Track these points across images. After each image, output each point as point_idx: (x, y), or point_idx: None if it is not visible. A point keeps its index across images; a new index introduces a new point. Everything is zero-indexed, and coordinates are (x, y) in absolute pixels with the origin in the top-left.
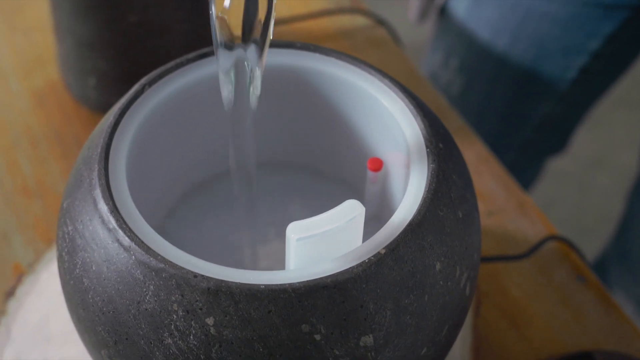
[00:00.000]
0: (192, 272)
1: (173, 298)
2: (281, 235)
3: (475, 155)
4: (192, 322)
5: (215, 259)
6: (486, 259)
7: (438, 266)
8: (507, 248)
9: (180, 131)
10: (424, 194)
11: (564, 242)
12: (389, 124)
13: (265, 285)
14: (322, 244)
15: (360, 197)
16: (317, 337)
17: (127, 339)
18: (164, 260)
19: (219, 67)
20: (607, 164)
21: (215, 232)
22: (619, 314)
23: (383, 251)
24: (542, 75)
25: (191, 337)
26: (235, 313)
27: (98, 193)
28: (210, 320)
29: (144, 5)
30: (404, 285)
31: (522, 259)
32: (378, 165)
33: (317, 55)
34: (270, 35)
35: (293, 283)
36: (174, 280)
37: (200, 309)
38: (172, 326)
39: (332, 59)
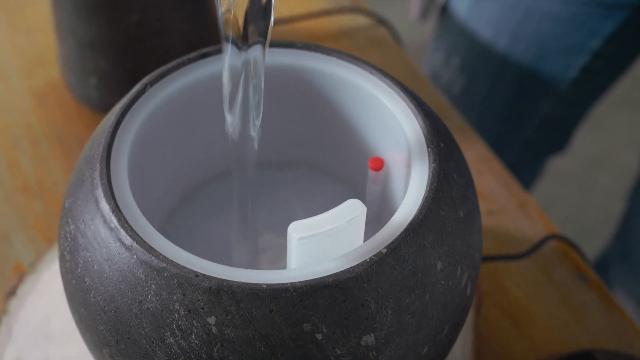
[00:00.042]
0: (193, 271)
1: (175, 297)
2: (282, 235)
3: (476, 154)
4: (194, 322)
5: (216, 258)
6: (487, 259)
7: (439, 265)
8: (508, 247)
9: (181, 131)
10: (425, 193)
11: (564, 242)
12: (390, 124)
13: (266, 284)
14: (323, 243)
15: (361, 197)
16: (319, 336)
17: (128, 338)
18: (165, 259)
19: (224, 64)
20: (607, 163)
21: (215, 232)
22: (620, 313)
23: (384, 250)
24: (543, 75)
25: (193, 336)
26: (236, 312)
27: (100, 192)
28: (211, 320)
29: (145, 5)
30: (405, 284)
31: (523, 259)
32: (379, 164)
33: (318, 55)
34: (270, 31)
35: (294, 282)
36: (175, 279)
37: (202, 308)
38: (174, 325)
39: (333, 59)
